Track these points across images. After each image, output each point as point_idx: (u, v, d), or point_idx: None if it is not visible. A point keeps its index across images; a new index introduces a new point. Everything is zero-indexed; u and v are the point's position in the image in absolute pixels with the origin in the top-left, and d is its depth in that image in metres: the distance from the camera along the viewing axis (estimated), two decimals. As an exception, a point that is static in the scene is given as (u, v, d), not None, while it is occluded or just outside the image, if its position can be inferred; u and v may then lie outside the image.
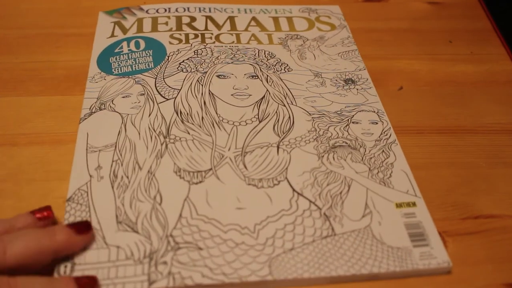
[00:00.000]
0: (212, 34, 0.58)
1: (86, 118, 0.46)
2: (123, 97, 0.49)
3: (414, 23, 0.63)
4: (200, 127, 0.46)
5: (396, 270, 0.37)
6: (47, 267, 0.35)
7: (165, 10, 0.61)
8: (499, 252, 0.40)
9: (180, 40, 0.56)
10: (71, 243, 0.36)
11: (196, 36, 0.57)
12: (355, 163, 0.44)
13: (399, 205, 0.41)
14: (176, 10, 0.61)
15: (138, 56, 0.54)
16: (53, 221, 0.38)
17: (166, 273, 0.36)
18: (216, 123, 0.47)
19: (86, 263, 0.36)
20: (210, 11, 0.61)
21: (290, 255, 0.37)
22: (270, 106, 0.49)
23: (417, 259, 0.38)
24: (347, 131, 0.47)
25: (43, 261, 0.34)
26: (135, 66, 0.52)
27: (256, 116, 0.48)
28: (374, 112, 0.49)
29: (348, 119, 0.48)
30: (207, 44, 0.56)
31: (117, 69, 0.52)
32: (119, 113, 0.47)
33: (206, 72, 0.52)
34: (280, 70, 0.53)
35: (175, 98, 0.49)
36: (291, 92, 0.51)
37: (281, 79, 0.52)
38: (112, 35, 0.57)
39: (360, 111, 0.49)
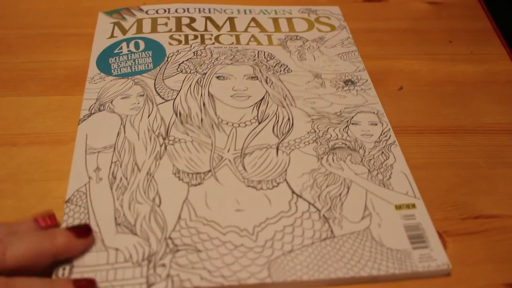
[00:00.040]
0: (211, 35, 0.58)
1: (85, 119, 0.46)
2: (122, 98, 0.49)
3: (414, 23, 0.63)
4: (200, 128, 0.46)
5: (395, 273, 0.37)
6: (46, 269, 0.35)
7: (165, 11, 0.61)
8: (499, 252, 0.40)
9: (179, 41, 0.56)
10: (71, 246, 0.35)
11: (195, 37, 0.57)
12: (355, 165, 0.44)
13: (398, 207, 0.41)
14: (176, 11, 0.61)
15: (138, 57, 0.54)
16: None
17: (165, 275, 0.36)
18: (216, 125, 0.47)
19: (84, 266, 0.36)
20: (209, 12, 0.61)
21: (289, 257, 0.37)
22: (269, 107, 0.49)
23: (416, 261, 0.38)
24: (347, 133, 0.47)
25: (42, 264, 0.34)
26: (134, 67, 0.52)
27: (256, 118, 0.48)
28: (374, 113, 0.49)
29: (347, 121, 0.48)
30: (206, 45, 0.56)
31: (117, 70, 0.52)
32: (118, 114, 0.47)
33: (205, 73, 0.52)
34: (280, 71, 0.53)
35: (175, 99, 0.49)
36: (290, 93, 0.50)
37: (281, 80, 0.52)
38: (112, 36, 0.57)
39: (359, 112, 0.49)
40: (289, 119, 0.48)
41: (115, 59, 0.53)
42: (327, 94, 0.51)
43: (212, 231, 0.39)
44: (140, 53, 0.54)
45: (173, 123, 0.46)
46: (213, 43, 0.56)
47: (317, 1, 0.65)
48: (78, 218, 0.39)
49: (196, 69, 0.52)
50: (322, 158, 0.44)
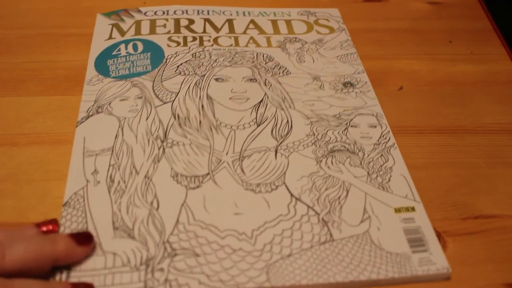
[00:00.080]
0: (210, 36, 0.57)
1: (83, 122, 0.46)
2: (120, 100, 0.48)
3: (414, 23, 0.63)
4: (198, 131, 0.46)
5: (395, 276, 0.37)
6: (46, 274, 0.35)
7: (164, 13, 0.60)
8: (499, 252, 0.40)
9: (178, 43, 0.56)
10: (71, 253, 0.35)
11: (194, 38, 0.57)
12: (354, 168, 0.44)
13: (398, 210, 0.41)
14: (175, 12, 0.61)
15: (136, 59, 0.53)
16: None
17: (163, 280, 0.35)
18: (214, 127, 0.46)
19: (82, 270, 0.35)
20: (208, 13, 0.61)
21: (288, 262, 0.37)
22: (268, 110, 0.49)
23: (416, 265, 0.37)
24: (346, 135, 0.47)
25: (42, 268, 0.34)
26: (132, 69, 0.52)
27: (254, 120, 0.47)
28: (373, 115, 0.49)
29: (346, 123, 0.48)
30: (205, 47, 0.56)
31: (115, 72, 0.52)
32: (117, 117, 0.47)
33: (204, 75, 0.52)
34: (279, 73, 0.53)
35: (173, 101, 0.49)
36: (289, 96, 0.50)
37: (280, 83, 0.52)
38: (110, 38, 0.56)
39: (358, 114, 0.49)
40: (288, 121, 0.48)
41: (113, 60, 0.53)
42: (326, 97, 0.51)
43: (210, 235, 0.38)
44: (138, 55, 0.54)
45: (171, 126, 0.46)
46: (212, 45, 0.56)
47: (316, 3, 0.65)
48: (75, 222, 0.39)
49: (194, 71, 0.52)
50: (321, 161, 0.44)
